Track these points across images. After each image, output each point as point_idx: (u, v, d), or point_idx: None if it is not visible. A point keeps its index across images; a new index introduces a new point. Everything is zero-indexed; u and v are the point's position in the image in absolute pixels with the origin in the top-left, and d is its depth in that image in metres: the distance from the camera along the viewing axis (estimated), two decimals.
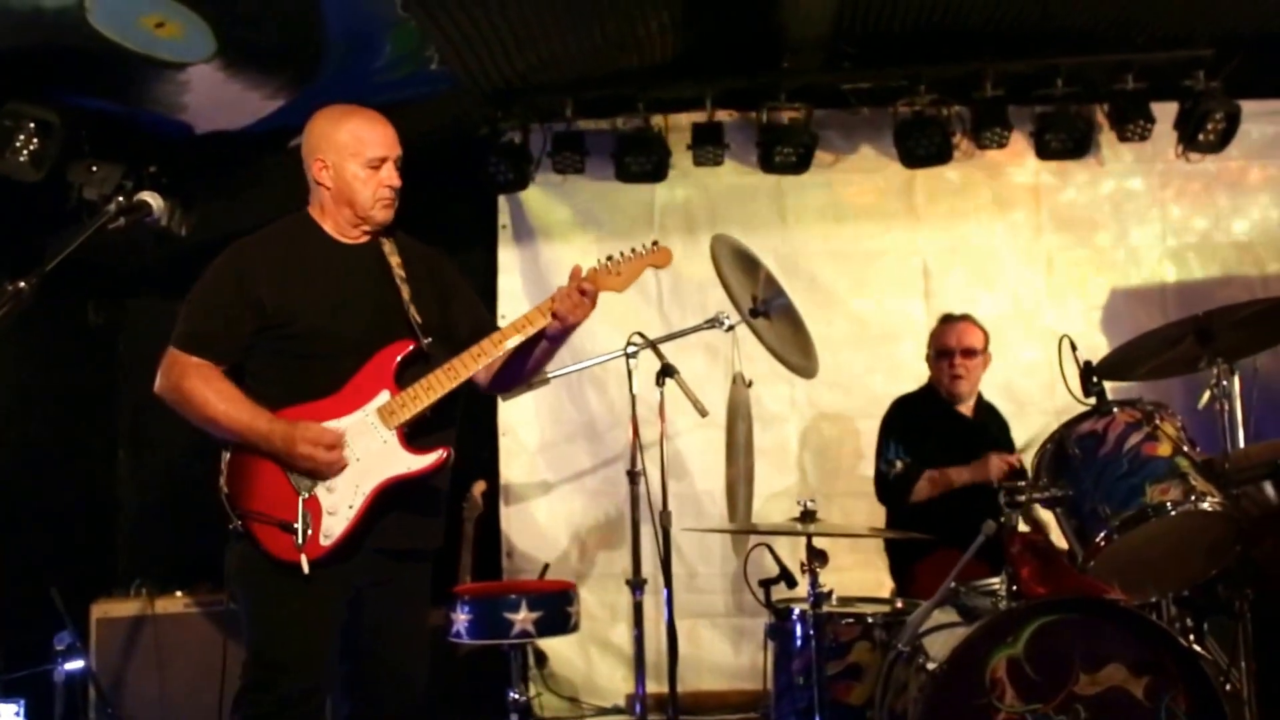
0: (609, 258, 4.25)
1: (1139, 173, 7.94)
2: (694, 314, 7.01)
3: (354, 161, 4.05)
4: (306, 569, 3.83)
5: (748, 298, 5.57)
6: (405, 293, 4.11)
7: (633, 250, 4.29)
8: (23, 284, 3.14)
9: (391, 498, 3.97)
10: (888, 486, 6.20)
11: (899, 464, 6.09)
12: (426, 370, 4.02)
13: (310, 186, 4.17)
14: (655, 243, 4.34)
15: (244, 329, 4.01)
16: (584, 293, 4.07)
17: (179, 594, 6.70)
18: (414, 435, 4.00)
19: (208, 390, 3.95)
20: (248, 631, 4.00)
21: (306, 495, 3.89)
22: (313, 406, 3.96)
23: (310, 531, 3.86)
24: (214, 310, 4.04)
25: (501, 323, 4.23)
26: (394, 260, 4.17)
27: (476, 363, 4.02)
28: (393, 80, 6.68)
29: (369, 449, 3.94)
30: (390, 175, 4.10)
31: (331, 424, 3.94)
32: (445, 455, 4.02)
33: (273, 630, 3.96)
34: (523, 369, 4.33)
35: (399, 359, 4.02)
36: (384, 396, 3.97)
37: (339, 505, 3.90)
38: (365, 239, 4.18)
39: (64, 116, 6.14)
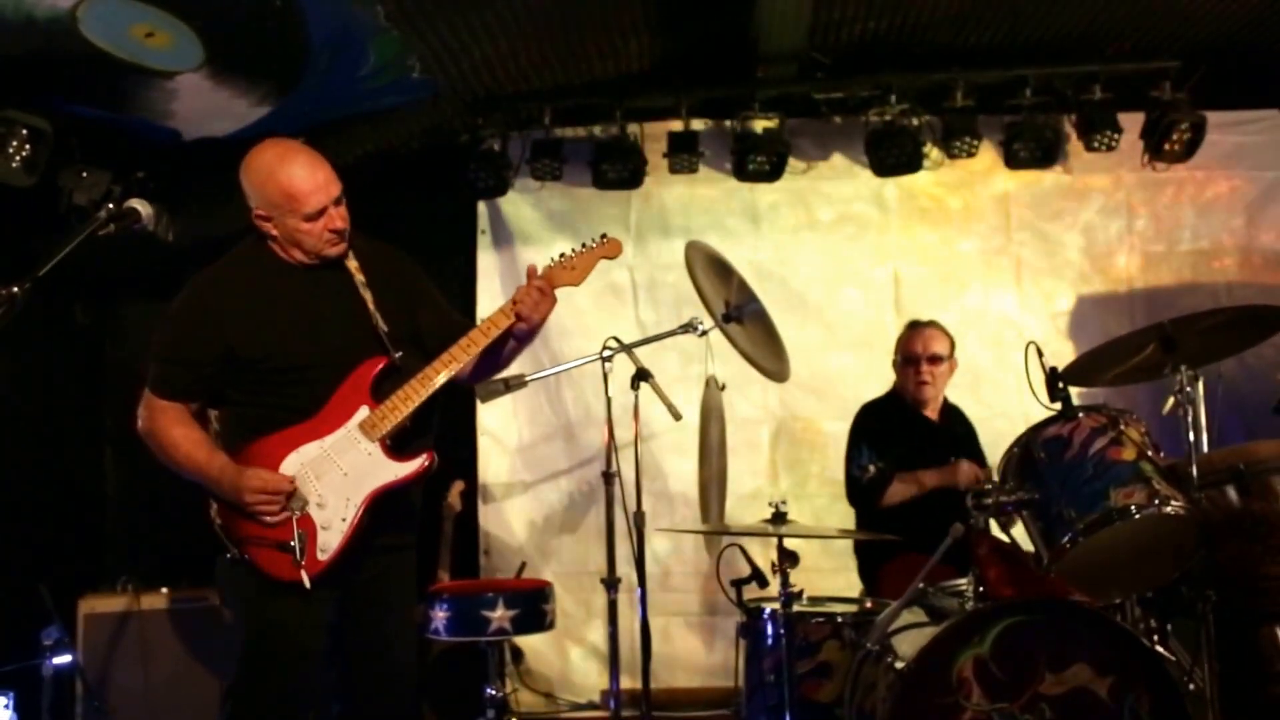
0: (561, 254, 4.37)
1: (1106, 182, 8.03)
2: (668, 319, 7.13)
3: (292, 218, 4.00)
4: (309, 584, 3.89)
5: (721, 303, 5.60)
6: (370, 302, 4.14)
7: (584, 245, 4.42)
8: (15, 289, 3.24)
9: (378, 504, 4.03)
10: (861, 490, 6.20)
11: (872, 468, 6.10)
12: (400, 378, 4.08)
13: None
14: (604, 235, 4.45)
15: (210, 370, 4.06)
16: (542, 291, 4.19)
17: (164, 590, 6.73)
18: (396, 444, 4.06)
19: (173, 433, 4.03)
20: (240, 632, 4.07)
21: (299, 514, 3.94)
22: (296, 430, 4.02)
23: (307, 548, 3.92)
24: (178, 355, 4.08)
25: None
26: (353, 265, 4.18)
27: (449, 369, 4.09)
28: (375, 88, 6.71)
29: (355, 462, 4.00)
30: (333, 219, 4.03)
31: (315, 444, 4.00)
32: (429, 461, 4.09)
33: (265, 632, 4.02)
34: (494, 364, 4.41)
35: (374, 374, 4.07)
36: (364, 411, 4.02)
37: (332, 519, 3.96)
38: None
39: (55, 123, 6.20)
